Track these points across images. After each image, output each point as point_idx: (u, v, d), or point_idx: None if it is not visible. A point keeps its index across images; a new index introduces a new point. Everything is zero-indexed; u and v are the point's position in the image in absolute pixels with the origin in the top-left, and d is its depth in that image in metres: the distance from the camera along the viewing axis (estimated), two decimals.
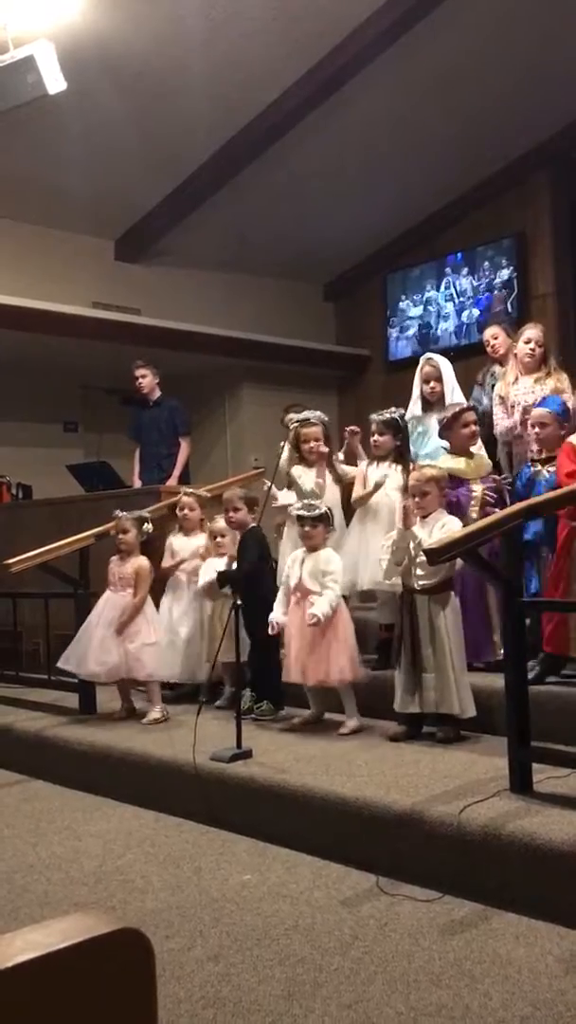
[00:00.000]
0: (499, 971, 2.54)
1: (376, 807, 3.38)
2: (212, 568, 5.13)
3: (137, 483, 7.46)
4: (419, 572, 4.20)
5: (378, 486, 4.97)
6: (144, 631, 5.07)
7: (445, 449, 5.06)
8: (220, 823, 3.84)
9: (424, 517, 4.29)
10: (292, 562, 4.67)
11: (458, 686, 4.14)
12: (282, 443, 5.38)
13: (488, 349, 6.28)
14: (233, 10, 6.66)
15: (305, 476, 5.28)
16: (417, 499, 4.30)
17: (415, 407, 5.64)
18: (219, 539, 5.28)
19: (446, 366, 5.55)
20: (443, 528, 4.19)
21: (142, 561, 5.22)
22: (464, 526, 4.06)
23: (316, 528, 4.59)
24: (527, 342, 5.48)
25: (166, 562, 5.60)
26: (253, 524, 5.00)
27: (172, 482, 7.08)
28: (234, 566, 4.95)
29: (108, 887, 3.29)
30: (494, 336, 6.20)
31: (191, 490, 5.85)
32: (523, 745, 3.40)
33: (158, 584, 5.47)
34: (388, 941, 2.75)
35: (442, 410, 5.29)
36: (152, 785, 4.24)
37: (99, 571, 5.39)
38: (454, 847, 3.11)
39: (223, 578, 4.72)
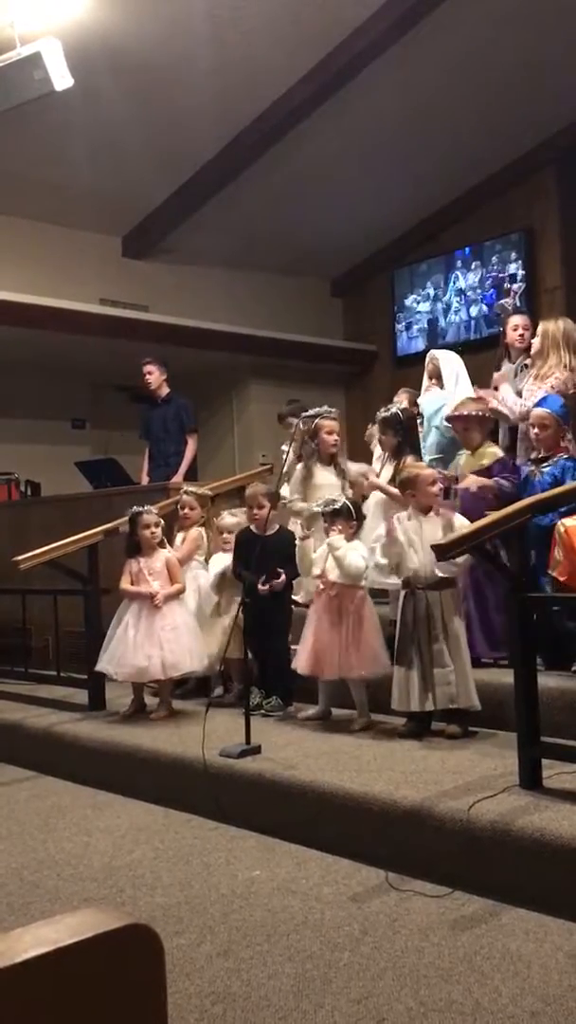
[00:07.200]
0: (509, 967, 2.54)
1: (385, 803, 3.38)
2: (220, 563, 5.12)
3: (145, 480, 7.47)
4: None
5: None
6: (184, 627, 5.04)
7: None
8: (229, 819, 3.84)
9: (425, 513, 4.28)
10: (318, 555, 4.66)
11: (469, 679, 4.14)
12: (286, 443, 5.37)
13: (518, 339, 5.80)
14: (238, 7, 6.65)
15: (321, 473, 5.29)
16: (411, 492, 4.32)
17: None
18: (226, 535, 5.26)
19: (445, 360, 5.55)
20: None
21: (167, 552, 5.22)
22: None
23: (335, 523, 4.57)
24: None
25: None
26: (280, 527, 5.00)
27: (177, 479, 7.07)
28: None
29: (118, 883, 3.30)
30: (525, 327, 5.73)
31: (192, 488, 5.83)
32: (533, 741, 3.40)
33: None
34: (398, 937, 2.74)
35: None
36: (161, 781, 4.24)
37: (108, 568, 5.39)
38: (464, 843, 3.11)
39: (248, 586, 4.63)
